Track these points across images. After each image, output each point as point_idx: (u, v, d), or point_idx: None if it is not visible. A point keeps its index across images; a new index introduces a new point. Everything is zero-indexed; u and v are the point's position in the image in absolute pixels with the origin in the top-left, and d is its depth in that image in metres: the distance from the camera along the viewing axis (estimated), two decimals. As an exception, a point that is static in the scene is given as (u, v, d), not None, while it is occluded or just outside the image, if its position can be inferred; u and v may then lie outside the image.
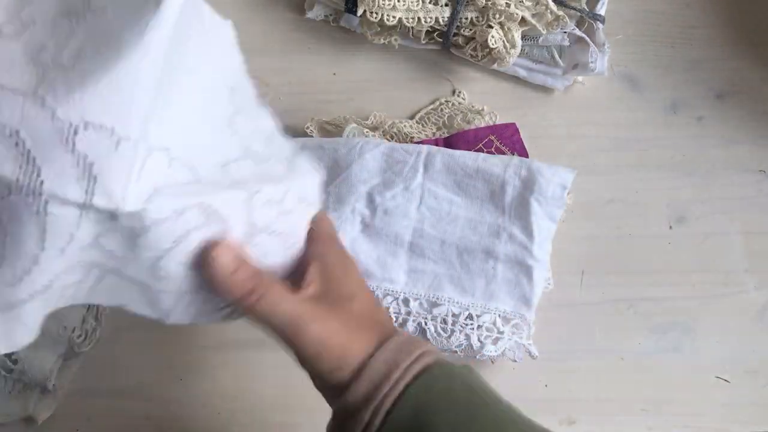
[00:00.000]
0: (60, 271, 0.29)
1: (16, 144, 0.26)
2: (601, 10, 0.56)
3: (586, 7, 0.56)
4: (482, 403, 0.34)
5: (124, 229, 0.29)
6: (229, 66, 0.36)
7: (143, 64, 0.28)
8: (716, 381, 0.54)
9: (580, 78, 0.58)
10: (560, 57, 0.56)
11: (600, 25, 0.56)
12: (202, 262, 0.32)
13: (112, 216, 0.28)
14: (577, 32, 0.55)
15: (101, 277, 0.32)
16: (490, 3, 0.53)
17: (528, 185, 0.51)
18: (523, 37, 0.55)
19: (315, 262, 0.37)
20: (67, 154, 0.26)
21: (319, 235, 0.38)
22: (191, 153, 0.31)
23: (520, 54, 0.55)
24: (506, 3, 0.52)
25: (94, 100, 0.27)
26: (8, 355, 0.51)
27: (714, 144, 0.58)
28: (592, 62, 0.55)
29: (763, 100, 0.59)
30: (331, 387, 0.36)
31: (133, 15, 0.28)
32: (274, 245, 0.36)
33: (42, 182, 0.26)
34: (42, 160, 0.26)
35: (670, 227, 0.57)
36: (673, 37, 0.60)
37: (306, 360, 0.35)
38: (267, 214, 0.35)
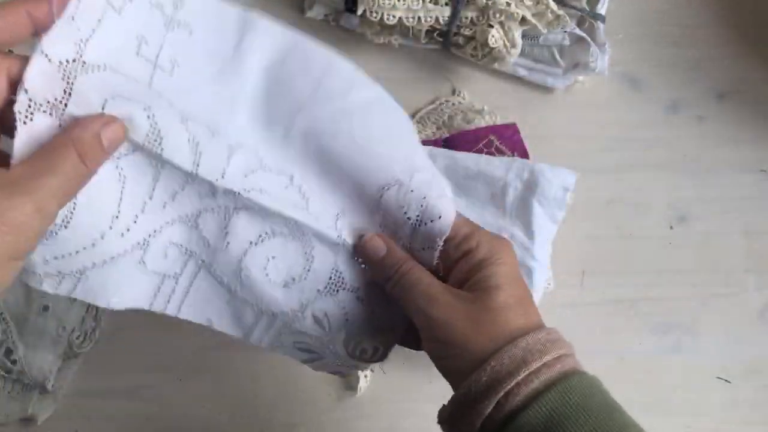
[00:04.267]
0: (157, 230, 0.36)
1: (148, 116, 0.33)
2: (602, 9, 0.56)
3: (586, 7, 0.56)
4: (622, 424, 0.33)
5: (220, 210, 0.36)
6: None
7: None
8: (717, 381, 0.54)
9: (580, 77, 0.58)
10: (561, 56, 0.56)
11: (600, 25, 0.56)
12: (359, 250, 0.37)
13: (212, 189, 0.35)
14: (578, 32, 0.55)
15: (194, 274, 0.38)
16: (490, 2, 0.52)
17: (530, 187, 0.51)
18: (524, 36, 0.55)
19: (465, 258, 0.36)
20: (183, 133, 0.34)
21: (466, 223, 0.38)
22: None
23: (520, 53, 0.55)
24: (507, 2, 0.52)
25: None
26: (7, 356, 0.51)
27: (715, 144, 0.58)
28: (592, 62, 0.55)
29: (764, 100, 0.59)
30: (453, 372, 0.36)
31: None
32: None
33: (162, 149, 0.34)
34: (165, 134, 0.34)
35: (671, 227, 0.57)
36: (674, 37, 0.60)
37: (431, 340, 0.36)
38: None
